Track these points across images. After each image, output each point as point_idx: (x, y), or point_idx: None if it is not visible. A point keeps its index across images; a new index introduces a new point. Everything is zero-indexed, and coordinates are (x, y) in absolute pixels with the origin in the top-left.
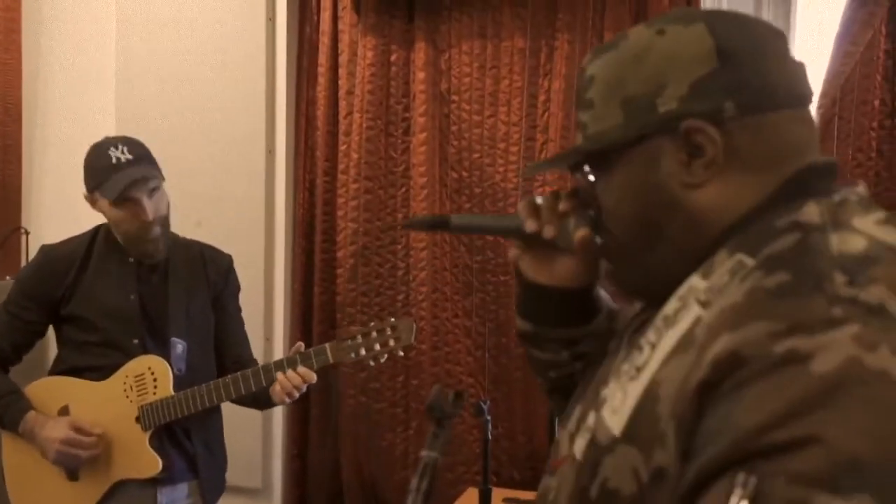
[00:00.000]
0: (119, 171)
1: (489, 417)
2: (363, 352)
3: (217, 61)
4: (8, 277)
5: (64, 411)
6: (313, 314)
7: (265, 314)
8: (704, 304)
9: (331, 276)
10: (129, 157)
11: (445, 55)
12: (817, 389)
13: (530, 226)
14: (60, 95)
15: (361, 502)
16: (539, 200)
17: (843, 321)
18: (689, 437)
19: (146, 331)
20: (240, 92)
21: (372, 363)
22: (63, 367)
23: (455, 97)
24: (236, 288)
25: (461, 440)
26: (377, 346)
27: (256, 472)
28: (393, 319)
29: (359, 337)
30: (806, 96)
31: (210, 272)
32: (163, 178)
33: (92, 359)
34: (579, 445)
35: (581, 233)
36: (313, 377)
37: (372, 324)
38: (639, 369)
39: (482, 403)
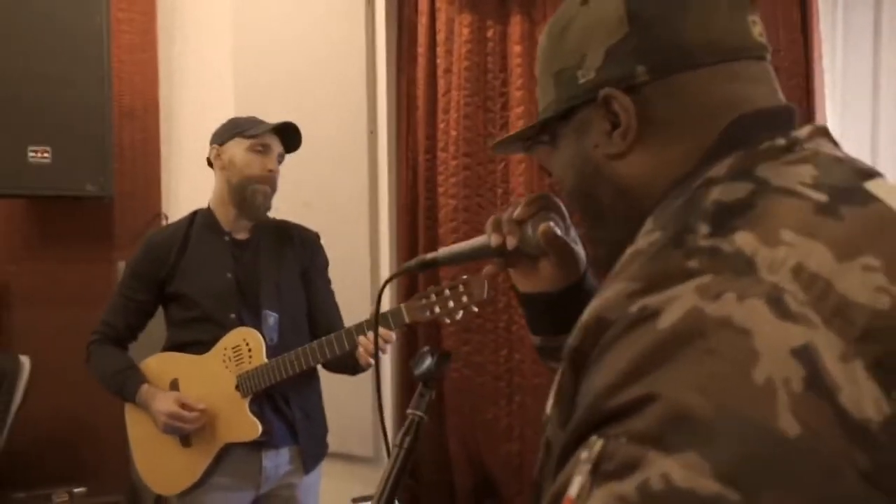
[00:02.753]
0: (262, 122)
1: None
2: (437, 309)
3: (320, 46)
4: None
5: (174, 384)
6: (418, 291)
7: (371, 292)
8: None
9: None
10: (261, 116)
11: (541, 27)
12: (659, 345)
13: (494, 240)
14: (189, 92)
15: (469, 474)
16: (504, 216)
17: (695, 273)
18: (569, 408)
19: (241, 305)
20: (341, 75)
21: (447, 320)
22: (171, 344)
23: None
24: (324, 263)
25: None
26: (451, 304)
27: (368, 441)
28: (465, 277)
29: (432, 295)
30: (745, 49)
31: (298, 248)
32: None
33: (195, 334)
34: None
35: (542, 228)
36: (392, 336)
37: (445, 283)
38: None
39: None
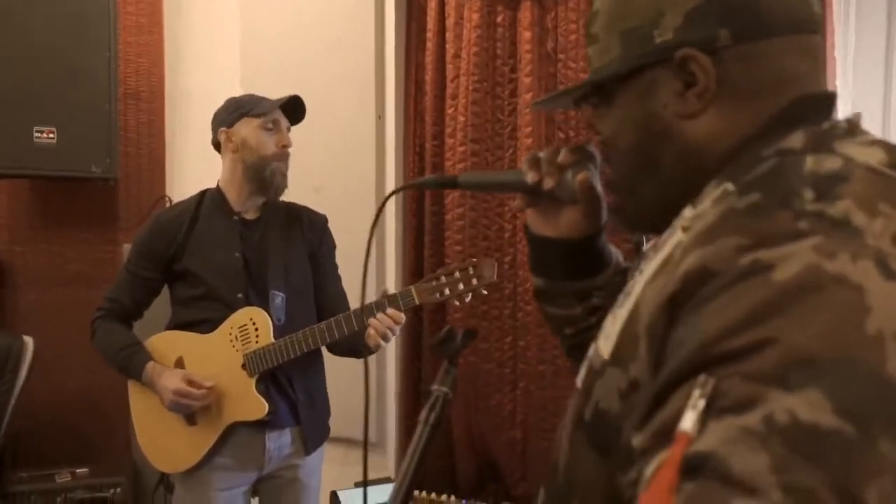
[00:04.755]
0: (266, 99)
1: None
2: (447, 291)
3: (328, 30)
4: None
5: (179, 362)
6: (423, 276)
7: (377, 276)
8: (686, 230)
9: (440, 239)
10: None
11: (551, 13)
12: (776, 296)
13: (531, 177)
14: (196, 74)
15: (471, 460)
16: (541, 155)
17: (806, 233)
18: (661, 349)
19: (249, 285)
20: (350, 59)
21: (457, 302)
22: (177, 322)
23: (562, 56)
24: (332, 246)
25: (569, 402)
26: (460, 286)
27: (371, 426)
28: (475, 259)
29: (442, 277)
30: (809, 22)
31: (306, 230)
32: None
33: (201, 312)
34: (580, 375)
35: (581, 176)
36: (402, 318)
37: (454, 265)
38: (627, 295)
39: None
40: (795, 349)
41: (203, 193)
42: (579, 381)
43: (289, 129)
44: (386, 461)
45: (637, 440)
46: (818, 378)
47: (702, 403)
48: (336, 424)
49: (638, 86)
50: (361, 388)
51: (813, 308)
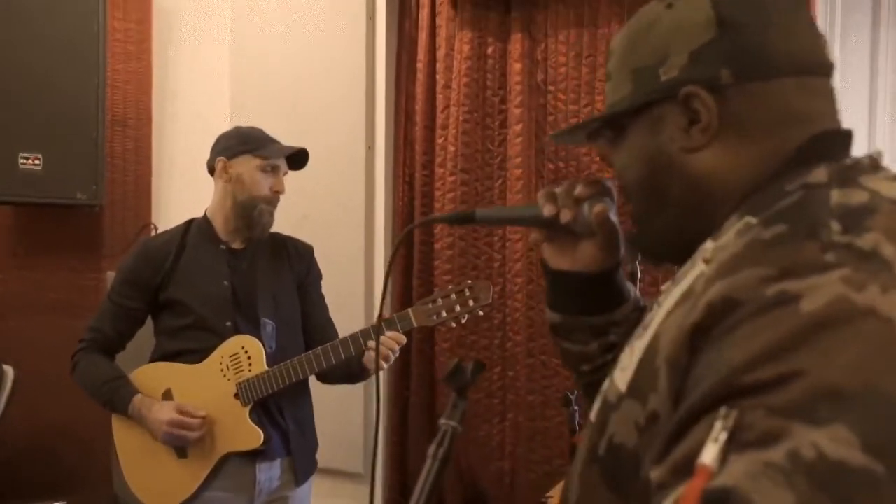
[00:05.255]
0: (275, 142)
1: (576, 408)
2: (444, 314)
3: (319, 60)
4: None
5: (167, 394)
6: (412, 305)
7: (366, 305)
8: (708, 262)
9: (429, 269)
10: (266, 131)
11: (542, 45)
12: (804, 327)
13: (548, 210)
14: (184, 100)
15: (459, 491)
16: (557, 189)
17: (834, 265)
18: (682, 380)
19: (237, 313)
20: (341, 89)
21: (454, 324)
22: (162, 354)
23: (551, 87)
24: (318, 275)
25: (557, 433)
26: (457, 308)
27: (358, 457)
28: (470, 281)
29: (439, 300)
30: (819, 65)
31: (293, 260)
32: None
33: (188, 343)
34: (594, 409)
35: (598, 208)
36: (404, 339)
37: (450, 287)
38: (646, 327)
39: (569, 394)
40: (823, 382)
41: (189, 222)
42: (593, 415)
43: (285, 173)
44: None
45: (655, 474)
46: (846, 413)
47: (724, 436)
48: (322, 456)
49: (647, 121)
50: (347, 418)
51: (842, 340)
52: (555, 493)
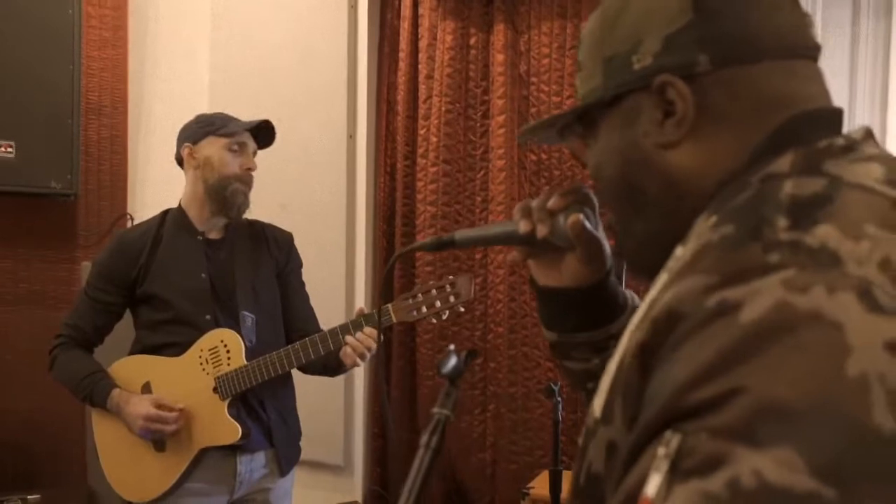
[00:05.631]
0: (237, 120)
1: (560, 399)
2: (424, 309)
3: (301, 49)
4: None
5: (146, 388)
6: (394, 297)
7: (346, 296)
8: (670, 270)
9: (410, 259)
10: (236, 115)
11: (524, 37)
12: (743, 339)
13: (523, 227)
14: (161, 88)
15: (440, 483)
16: (533, 203)
17: (777, 267)
18: (636, 404)
19: (216, 306)
20: (322, 78)
21: (434, 321)
22: (141, 347)
23: (534, 79)
24: (298, 264)
25: (539, 424)
26: (438, 304)
27: (338, 450)
28: (451, 277)
29: (419, 295)
30: (806, 48)
31: (273, 249)
32: None
33: (167, 336)
34: (581, 440)
35: (572, 219)
36: (380, 336)
37: (431, 282)
38: (618, 348)
39: (552, 385)
40: (766, 399)
41: (165, 213)
42: (580, 444)
43: (255, 153)
44: (353, 485)
45: None
46: (791, 432)
47: (665, 464)
48: (303, 448)
49: (620, 114)
50: (329, 410)
51: (784, 351)
52: (536, 485)
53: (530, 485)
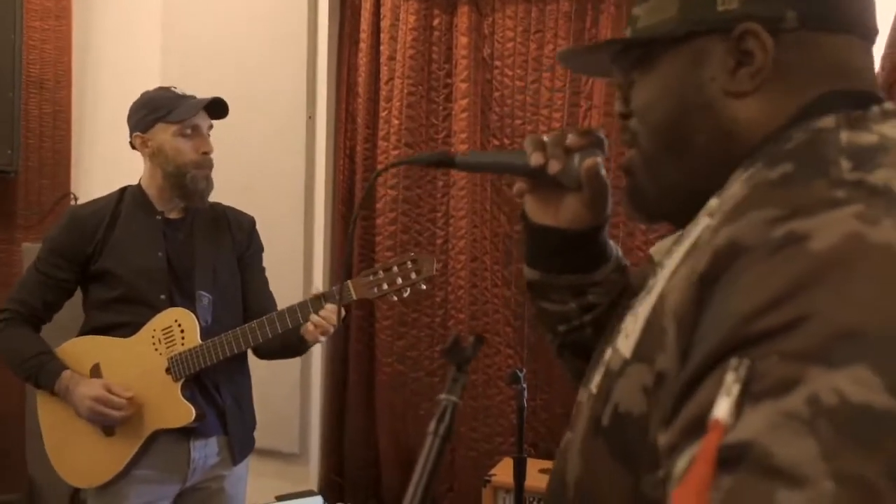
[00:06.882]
0: (186, 99)
1: (525, 386)
2: (385, 286)
3: (259, 27)
4: None
5: (95, 369)
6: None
7: (304, 279)
8: (712, 214)
9: (370, 244)
10: (189, 92)
11: (489, 19)
12: (813, 267)
13: (535, 159)
14: (108, 62)
15: (397, 471)
16: (545, 137)
17: (845, 201)
18: (690, 336)
19: (173, 286)
20: (281, 57)
21: (395, 298)
22: (92, 326)
23: (498, 63)
24: (259, 248)
25: (499, 411)
26: (399, 280)
27: (294, 437)
28: (413, 254)
29: (380, 272)
30: (872, 30)
31: (235, 232)
32: None
33: (119, 316)
34: (595, 381)
35: (589, 161)
36: (342, 312)
37: (393, 259)
38: (649, 291)
39: (518, 372)
40: (838, 323)
41: (123, 190)
42: (594, 386)
43: (211, 128)
44: (308, 473)
45: (665, 437)
46: (866, 353)
47: (736, 389)
48: (258, 436)
49: (688, 52)
50: (285, 397)
51: (856, 278)
52: (497, 472)
53: (492, 472)
